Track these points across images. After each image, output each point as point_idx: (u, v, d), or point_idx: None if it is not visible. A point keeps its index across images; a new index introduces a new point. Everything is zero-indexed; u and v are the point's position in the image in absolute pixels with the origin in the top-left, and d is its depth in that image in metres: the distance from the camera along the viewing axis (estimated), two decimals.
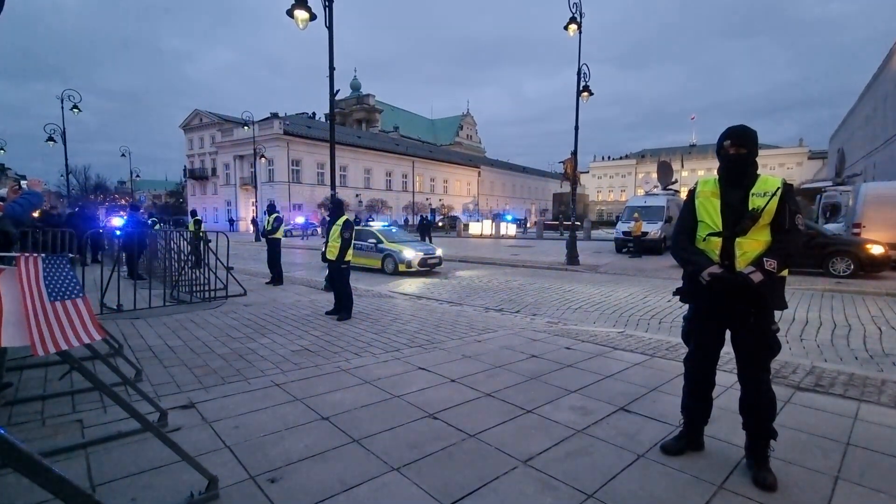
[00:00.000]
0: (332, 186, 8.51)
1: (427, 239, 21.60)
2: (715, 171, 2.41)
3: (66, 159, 23.74)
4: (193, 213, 14.69)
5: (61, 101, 21.78)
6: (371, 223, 16.38)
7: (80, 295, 2.02)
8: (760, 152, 2.38)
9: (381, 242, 12.34)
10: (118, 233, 10.28)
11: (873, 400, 3.30)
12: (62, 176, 32.34)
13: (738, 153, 2.27)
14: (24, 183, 4.06)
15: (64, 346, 1.84)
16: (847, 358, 4.74)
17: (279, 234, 9.76)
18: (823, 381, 3.69)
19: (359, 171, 51.70)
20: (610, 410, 3.15)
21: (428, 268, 12.30)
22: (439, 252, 12.98)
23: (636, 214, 17.33)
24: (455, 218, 24.60)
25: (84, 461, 2.39)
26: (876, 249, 10.21)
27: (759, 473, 2.25)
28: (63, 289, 1.95)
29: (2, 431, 1.14)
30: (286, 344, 4.83)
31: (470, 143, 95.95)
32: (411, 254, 11.84)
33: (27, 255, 1.94)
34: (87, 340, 1.92)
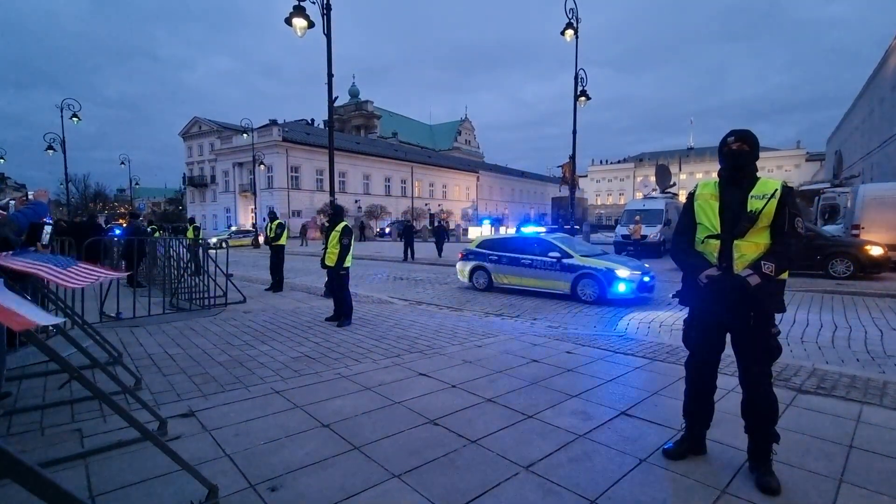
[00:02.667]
0: (332, 192, 8.55)
1: (439, 246, 19.33)
2: (713, 175, 2.43)
3: (66, 168, 23.84)
4: (192, 220, 14.72)
5: (60, 110, 21.90)
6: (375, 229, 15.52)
7: (75, 264, 2.32)
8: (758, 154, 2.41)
9: (570, 257, 8.77)
10: (117, 232, 10.31)
11: (876, 402, 3.29)
12: (62, 184, 32.44)
13: (740, 148, 2.30)
14: (30, 194, 4.21)
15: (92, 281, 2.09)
16: (848, 360, 4.73)
17: (283, 241, 9.75)
18: (825, 383, 3.68)
19: (358, 176, 51.79)
20: (611, 415, 3.14)
21: (647, 292, 8.48)
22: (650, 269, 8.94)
23: (637, 217, 17.35)
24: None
25: (83, 471, 2.38)
26: (875, 251, 10.23)
27: (762, 477, 2.24)
28: (63, 262, 2.14)
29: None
30: (286, 351, 4.81)
31: (468, 147, 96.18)
32: (626, 273, 8.17)
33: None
34: (116, 275, 2.22)
